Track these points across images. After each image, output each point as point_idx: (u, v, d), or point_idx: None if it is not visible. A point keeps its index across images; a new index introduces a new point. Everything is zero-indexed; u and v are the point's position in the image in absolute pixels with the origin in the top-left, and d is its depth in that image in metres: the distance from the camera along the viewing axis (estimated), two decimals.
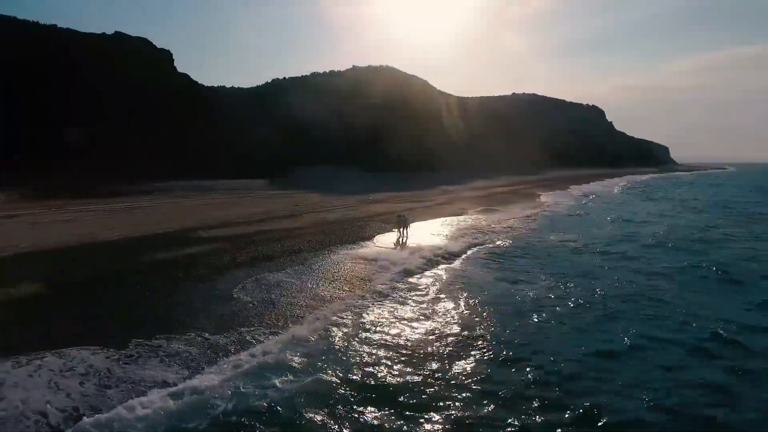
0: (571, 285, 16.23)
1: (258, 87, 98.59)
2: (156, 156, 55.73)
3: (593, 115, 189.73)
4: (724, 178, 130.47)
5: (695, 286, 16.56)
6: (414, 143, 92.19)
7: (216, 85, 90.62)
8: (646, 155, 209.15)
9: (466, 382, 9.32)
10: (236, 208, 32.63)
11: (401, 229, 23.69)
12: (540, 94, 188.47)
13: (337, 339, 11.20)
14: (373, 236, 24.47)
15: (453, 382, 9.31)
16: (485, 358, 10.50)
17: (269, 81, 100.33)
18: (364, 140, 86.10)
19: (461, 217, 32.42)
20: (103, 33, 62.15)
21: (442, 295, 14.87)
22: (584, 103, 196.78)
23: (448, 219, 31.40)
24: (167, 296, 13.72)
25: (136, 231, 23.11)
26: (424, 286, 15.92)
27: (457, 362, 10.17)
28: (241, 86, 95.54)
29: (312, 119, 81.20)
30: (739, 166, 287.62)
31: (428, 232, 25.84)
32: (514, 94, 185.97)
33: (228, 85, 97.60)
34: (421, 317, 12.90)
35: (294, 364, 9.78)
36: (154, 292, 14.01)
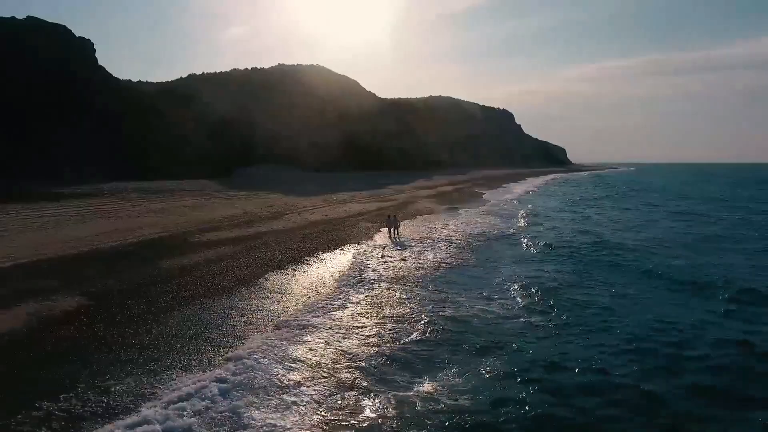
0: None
1: (174, 82, 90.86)
2: (83, 156, 50.98)
3: (504, 117, 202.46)
4: (639, 175, 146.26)
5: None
6: (348, 143, 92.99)
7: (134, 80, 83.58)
8: (549, 156, 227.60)
9: None
10: (211, 210, 31.29)
11: (391, 229, 24.64)
12: (455, 96, 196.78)
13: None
14: (373, 235, 25.20)
15: None
16: None
17: (184, 76, 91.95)
18: (297, 139, 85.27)
19: (438, 215, 34.01)
20: (13, 17, 55.42)
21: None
22: (496, 106, 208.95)
23: (428, 216, 32.83)
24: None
25: (137, 235, 21.65)
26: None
27: None
28: (149, 80, 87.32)
29: (237, 117, 78.41)
30: (629, 166, 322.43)
31: (433, 229, 27.19)
32: (431, 96, 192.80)
33: (135, 79, 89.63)
34: None
35: None
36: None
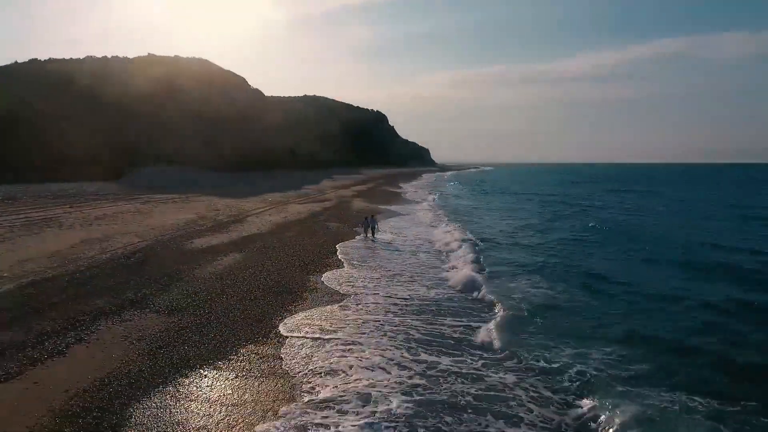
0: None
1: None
2: None
3: (379, 119, 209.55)
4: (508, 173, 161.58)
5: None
6: (238, 142, 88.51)
7: None
8: (419, 156, 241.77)
9: None
10: (162, 215, 27.91)
11: (368, 229, 23.97)
12: (330, 97, 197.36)
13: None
14: (353, 236, 25.04)
15: None
16: None
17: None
18: (185, 138, 78.79)
19: (388, 215, 34.90)
20: None
21: None
22: (369, 108, 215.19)
23: (382, 216, 33.53)
24: None
25: (113, 246, 18.67)
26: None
27: None
28: None
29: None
30: (486, 166, 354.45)
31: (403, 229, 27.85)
32: (305, 95, 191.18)
33: None
34: None
35: None
36: None
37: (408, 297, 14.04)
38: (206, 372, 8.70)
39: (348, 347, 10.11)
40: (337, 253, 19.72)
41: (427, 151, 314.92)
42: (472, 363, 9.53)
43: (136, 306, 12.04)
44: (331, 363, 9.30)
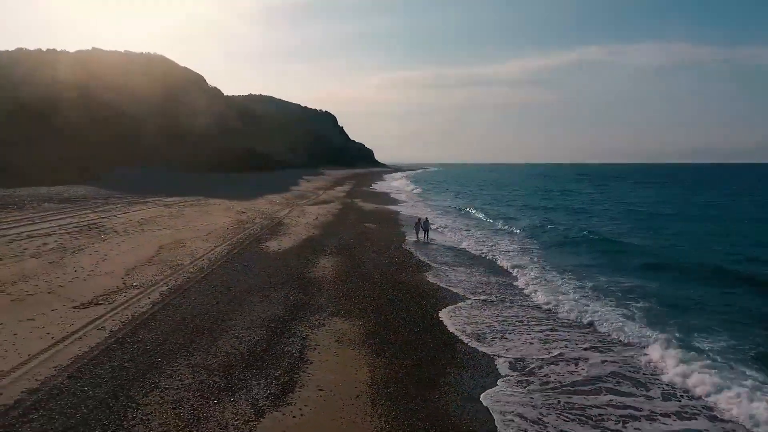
0: None
1: None
2: None
3: (328, 120, 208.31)
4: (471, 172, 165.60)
5: None
6: (205, 142, 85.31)
7: None
8: (367, 157, 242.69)
9: None
10: (200, 217, 26.89)
11: (419, 231, 24.32)
12: (276, 96, 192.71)
13: None
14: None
15: None
16: None
17: None
18: (149, 136, 74.86)
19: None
20: None
21: None
22: (318, 108, 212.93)
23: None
24: None
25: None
26: None
27: None
28: None
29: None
30: (433, 166, 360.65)
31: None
32: (251, 94, 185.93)
33: None
34: None
35: None
36: None
37: None
38: None
39: None
40: (417, 255, 20.49)
41: (371, 152, 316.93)
42: None
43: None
44: None
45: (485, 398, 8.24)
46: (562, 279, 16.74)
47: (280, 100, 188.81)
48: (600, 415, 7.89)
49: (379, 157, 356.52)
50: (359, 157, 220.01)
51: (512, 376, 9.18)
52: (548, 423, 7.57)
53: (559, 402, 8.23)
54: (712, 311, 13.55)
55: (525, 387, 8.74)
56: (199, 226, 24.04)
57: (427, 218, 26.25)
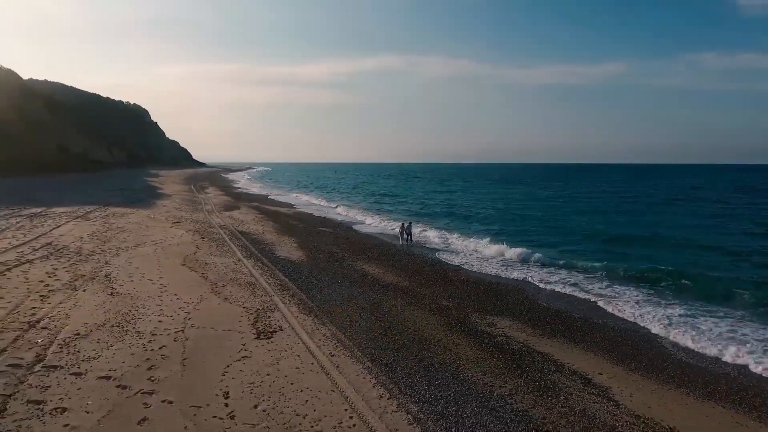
0: None
1: None
2: None
3: (139, 114, 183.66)
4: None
5: None
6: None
7: None
8: (186, 156, 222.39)
9: None
10: (157, 233, 22.62)
11: (403, 234, 24.83)
12: (68, 84, 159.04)
13: None
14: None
15: None
16: None
17: None
18: None
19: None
20: None
21: None
22: (125, 100, 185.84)
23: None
24: None
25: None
26: None
27: None
28: None
29: None
30: (259, 166, 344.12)
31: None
32: (61, 84, 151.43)
33: None
34: None
35: None
36: None
37: None
38: None
39: None
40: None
41: (187, 150, 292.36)
42: None
43: None
44: None
45: None
46: None
47: (79, 89, 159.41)
48: None
49: (197, 156, 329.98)
50: (181, 156, 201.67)
51: None
52: None
53: None
54: None
55: None
56: (169, 240, 20.69)
57: (410, 223, 26.60)
